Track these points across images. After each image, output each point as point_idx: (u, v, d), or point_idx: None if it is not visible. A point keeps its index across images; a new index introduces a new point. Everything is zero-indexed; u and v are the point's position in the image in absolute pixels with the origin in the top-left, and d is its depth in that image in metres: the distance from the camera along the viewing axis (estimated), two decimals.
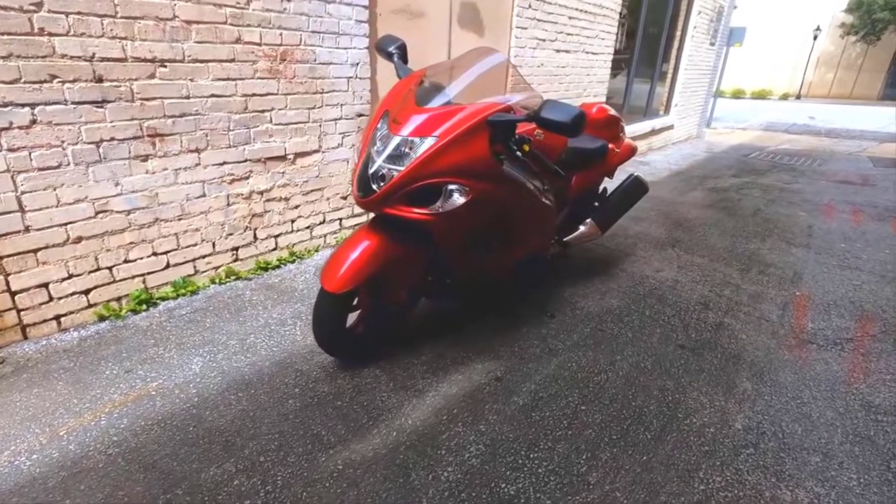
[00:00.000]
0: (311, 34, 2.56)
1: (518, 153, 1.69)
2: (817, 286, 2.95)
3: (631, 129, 6.49)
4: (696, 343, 2.31)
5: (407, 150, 1.60)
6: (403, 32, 3.14)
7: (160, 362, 1.95)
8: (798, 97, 26.53)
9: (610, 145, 2.73)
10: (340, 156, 2.94)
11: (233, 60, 2.29)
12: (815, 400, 1.92)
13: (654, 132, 7.22)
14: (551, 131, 1.59)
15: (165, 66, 2.08)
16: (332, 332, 1.80)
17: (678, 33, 7.39)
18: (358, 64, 2.84)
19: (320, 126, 2.76)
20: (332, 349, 1.89)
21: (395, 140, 1.61)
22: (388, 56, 1.99)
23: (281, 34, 2.43)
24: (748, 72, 27.78)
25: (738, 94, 26.58)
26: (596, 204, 2.84)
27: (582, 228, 2.75)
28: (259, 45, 2.36)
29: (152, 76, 2.05)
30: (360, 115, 2.95)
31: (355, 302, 1.94)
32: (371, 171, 1.63)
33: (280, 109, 2.54)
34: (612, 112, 2.76)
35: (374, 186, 1.62)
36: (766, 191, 5.35)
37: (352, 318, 2.00)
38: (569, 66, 4.86)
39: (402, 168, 1.58)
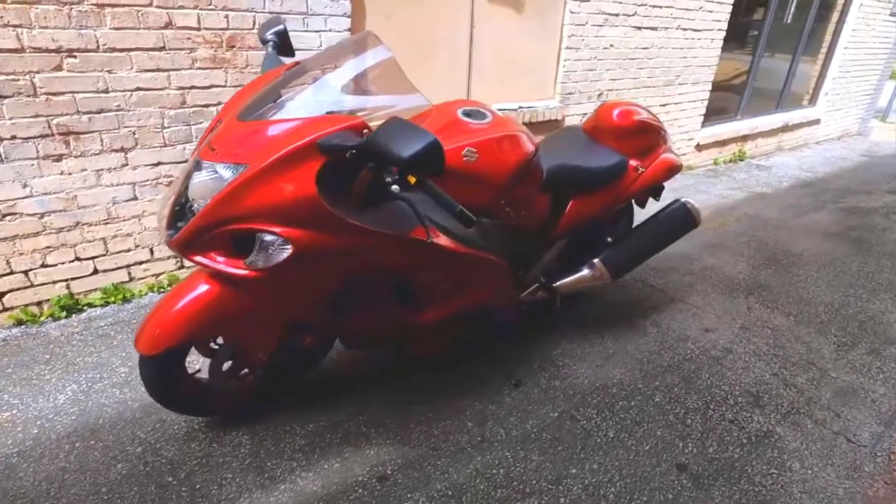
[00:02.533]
0: (269, 16, 2.19)
1: (395, 187, 1.14)
2: None
3: (749, 125, 5.20)
4: (707, 465, 1.57)
5: (216, 179, 1.16)
6: (404, 9, 2.64)
7: (35, 385, 1.78)
8: None
9: (633, 162, 1.99)
10: None
11: (163, 49, 2.01)
12: None
13: (785, 129, 5.75)
14: (389, 164, 1.03)
15: (74, 57, 1.86)
16: (165, 392, 1.45)
17: (839, 2, 5.72)
18: None
19: None
20: (174, 409, 1.53)
21: (205, 165, 1.18)
22: (265, 43, 1.54)
23: (227, 16, 2.10)
24: None
25: None
26: (609, 240, 2.11)
27: (584, 272, 2.05)
28: (197, 30, 2.05)
29: (58, 68, 1.85)
30: None
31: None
32: (181, 203, 1.23)
33: None
34: (644, 116, 1.99)
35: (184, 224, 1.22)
36: None
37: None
38: (653, 46, 3.90)
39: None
